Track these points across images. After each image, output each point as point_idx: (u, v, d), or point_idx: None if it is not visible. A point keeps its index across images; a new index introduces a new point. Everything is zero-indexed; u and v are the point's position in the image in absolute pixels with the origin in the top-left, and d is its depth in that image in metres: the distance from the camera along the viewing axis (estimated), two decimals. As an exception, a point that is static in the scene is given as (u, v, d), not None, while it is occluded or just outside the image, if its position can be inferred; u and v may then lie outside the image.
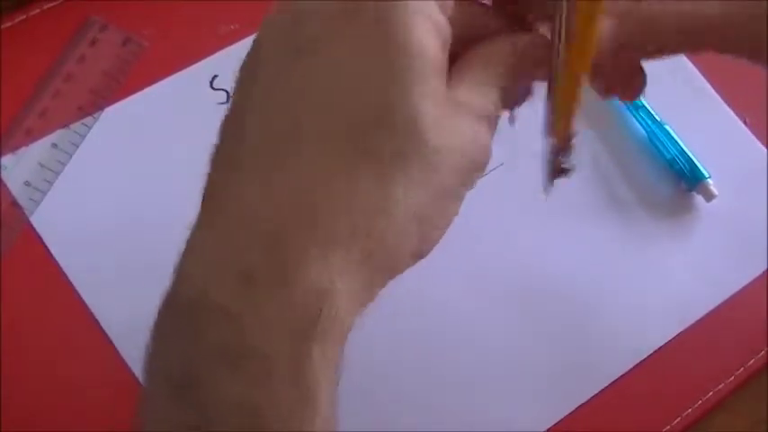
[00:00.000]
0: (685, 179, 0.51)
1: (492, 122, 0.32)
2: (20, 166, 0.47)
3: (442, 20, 0.29)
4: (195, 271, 0.28)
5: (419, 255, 0.30)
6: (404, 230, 0.28)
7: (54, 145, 0.48)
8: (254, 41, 0.31)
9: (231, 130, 0.30)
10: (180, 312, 0.28)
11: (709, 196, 0.51)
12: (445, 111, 0.29)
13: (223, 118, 0.31)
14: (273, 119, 0.29)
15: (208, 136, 0.49)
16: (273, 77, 0.29)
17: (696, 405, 0.47)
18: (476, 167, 0.30)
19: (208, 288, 0.27)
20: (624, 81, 0.36)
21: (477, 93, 0.31)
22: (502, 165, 0.50)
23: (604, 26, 0.31)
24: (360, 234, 0.27)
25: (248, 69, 0.30)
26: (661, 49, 0.34)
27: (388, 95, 0.28)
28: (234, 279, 0.27)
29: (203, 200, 0.30)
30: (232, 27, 0.52)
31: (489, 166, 0.48)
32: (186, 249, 0.29)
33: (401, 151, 0.28)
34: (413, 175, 0.28)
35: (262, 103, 0.29)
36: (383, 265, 0.29)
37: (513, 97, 0.33)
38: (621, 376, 0.47)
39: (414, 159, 0.28)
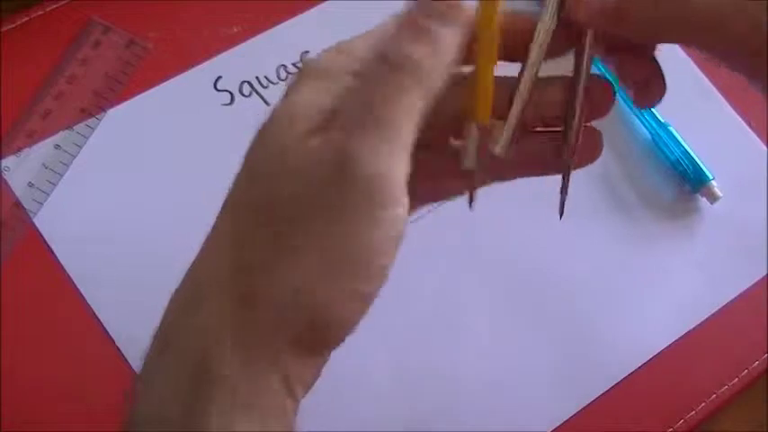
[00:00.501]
0: (689, 181, 0.51)
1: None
2: (23, 168, 0.47)
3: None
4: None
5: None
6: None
7: (57, 146, 0.48)
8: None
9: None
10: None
11: (713, 198, 0.51)
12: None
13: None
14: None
15: (211, 137, 0.49)
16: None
17: (700, 407, 0.47)
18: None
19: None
20: (641, 84, 0.36)
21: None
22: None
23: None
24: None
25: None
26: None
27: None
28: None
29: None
30: (235, 29, 0.52)
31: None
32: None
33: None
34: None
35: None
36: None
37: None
38: (624, 378, 0.47)
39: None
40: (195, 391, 0.28)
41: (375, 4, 0.54)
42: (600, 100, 0.35)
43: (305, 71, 0.31)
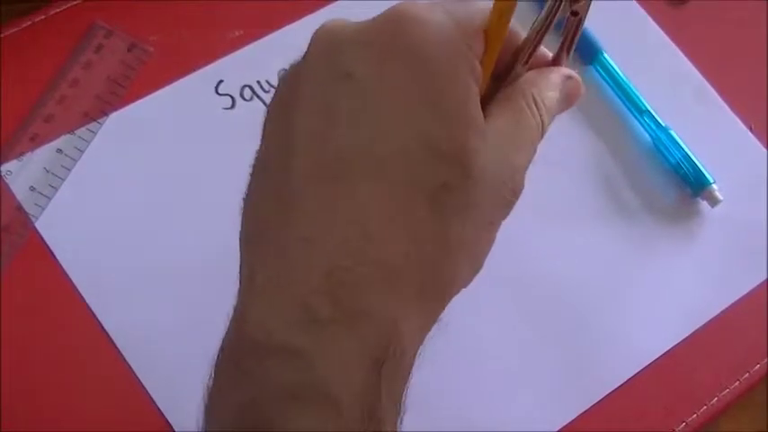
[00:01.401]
0: (690, 184, 0.51)
1: (531, 150, 0.32)
2: (25, 172, 0.47)
3: (477, 65, 0.30)
4: (257, 312, 0.28)
5: (466, 284, 0.31)
6: (454, 261, 0.29)
7: (59, 150, 0.48)
8: (302, 60, 0.31)
9: (275, 163, 0.30)
10: (244, 355, 0.28)
11: (713, 202, 0.51)
12: (487, 144, 0.29)
13: (262, 146, 0.31)
14: (321, 152, 0.29)
15: (212, 141, 0.49)
16: (320, 105, 0.29)
17: (701, 410, 0.47)
18: (513, 197, 0.31)
19: (272, 329, 0.27)
20: None
21: (517, 123, 0.31)
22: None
23: None
24: (413, 266, 0.28)
25: (289, 94, 0.30)
26: None
27: (435, 128, 0.28)
28: (298, 319, 0.27)
29: (252, 238, 0.30)
30: (237, 33, 0.52)
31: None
32: (244, 291, 0.29)
33: (448, 183, 0.28)
34: (459, 207, 0.29)
35: (307, 135, 0.29)
36: (436, 296, 0.30)
37: None
38: (626, 382, 0.47)
39: (460, 191, 0.28)
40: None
41: (377, 7, 0.54)
42: None
43: None
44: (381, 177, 0.28)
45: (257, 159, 0.31)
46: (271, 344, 0.27)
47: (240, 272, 0.30)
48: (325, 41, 0.30)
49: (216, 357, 0.29)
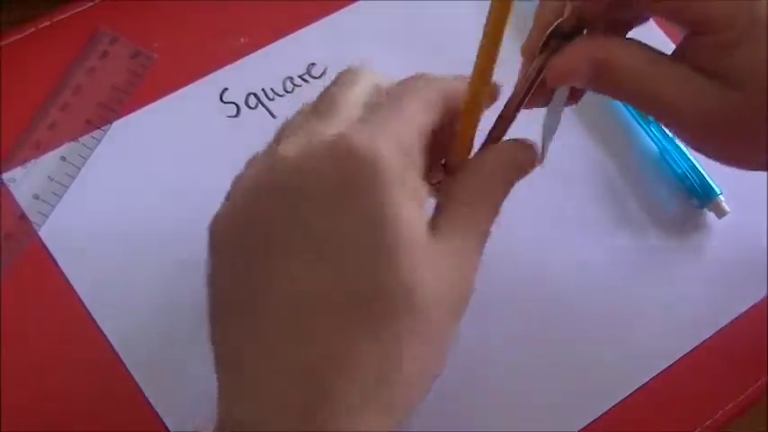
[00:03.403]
0: (697, 195, 0.51)
1: (481, 251, 0.35)
2: (28, 179, 0.47)
3: (418, 184, 0.33)
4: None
5: (435, 379, 0.33)
6: (413, 381, 0.32)
7: (63, 158, 0.48)
8: (255, 199, 0.33)
9: (241, 301, 0.33)
10: None
11: (720, 213, 0.51)
12: (434, 267, 0.32)
13: (222, 274, 0.34)
14: (285, 298, 0.31)
15: (217, 149, 0.49)
16: (280, 252, 0.32)
17: (706, 424, 0.47)
18: (464, 302, 0.34)
19: None
20: None
21: (461, 235, 0.34)
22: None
23: None
24: (372, 397, 0.31)
25: (247, 232, 0.33)
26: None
27: (383, 272, 0.31)
28: None
29: (222, 361, 0.33)
30: (242, 40, 0.52)
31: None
32: (219, 416, 0.33)
33: (399, 318, 0.31)
34: (412, 337, 0.31)
35: (270, 280, 0.32)
36: (404, 406, 0.32)
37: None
38: (629, 395, 0.47)
39: (411, 323, 0.31)
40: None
41: (381, 17, 0.54)
42: None
43: None
44: (337, 321, 0.31)
45: (217, 286, 0.34)
46: None
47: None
48: (277, 185, 0.32)
49: None
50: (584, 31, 0.36)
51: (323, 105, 0.35)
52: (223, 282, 0.34)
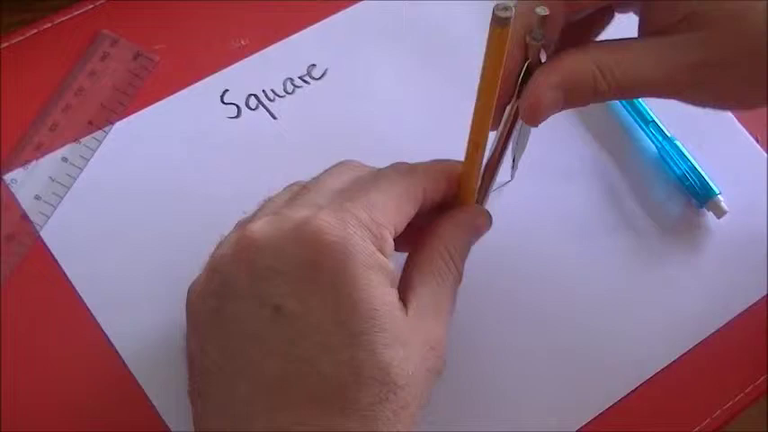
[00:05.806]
0: (696, 196, 0.51)
1: (449, 310, 0.37)
2: (30, 180, 0.47)
3: (384, 262, 0.33)
4: None
5: None
6: None
7: (64, 159, 0.48)
8: (228, 279, 0.34)
9: (216, 382, 0.34)
10: None
11: (719, 213, 0.51)
12: (407, 338, 0.33)
13: (195, 343, 0.36)
14: (259, 379, 0.32)
15: (218, 150, 0.49)
16: (254, 334, 0.33)
17: (704, 423, 0.47)
18: (440, 362, 0.36)
19: None
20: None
21: (430, 301, 0.36)
22: (510, 181, 0.50)
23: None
24: None
25: (215, 322, 0.34)
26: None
27: (358, 355, 0.32)
28: None
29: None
30: (243, 42, 0.52)
31: (498, 183, 0.48)
32: None
33: (378, 398, 0.32)
34: (389, 415, 0.32)
35: (246, 361, 0.33)
36: None
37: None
38: (628, 393, 0.47)
39: (388, 401, 0.32)
40: None
41: (381, 18, 0.54)
42: None
43: None
44: (316, 405, 0.31)
45: (191, 349, 0.36)
46: None
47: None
48: (248, 264, 0.33)
49: None
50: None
51: (302, 190, 0.36)
52: (195, 351, 0.35)
